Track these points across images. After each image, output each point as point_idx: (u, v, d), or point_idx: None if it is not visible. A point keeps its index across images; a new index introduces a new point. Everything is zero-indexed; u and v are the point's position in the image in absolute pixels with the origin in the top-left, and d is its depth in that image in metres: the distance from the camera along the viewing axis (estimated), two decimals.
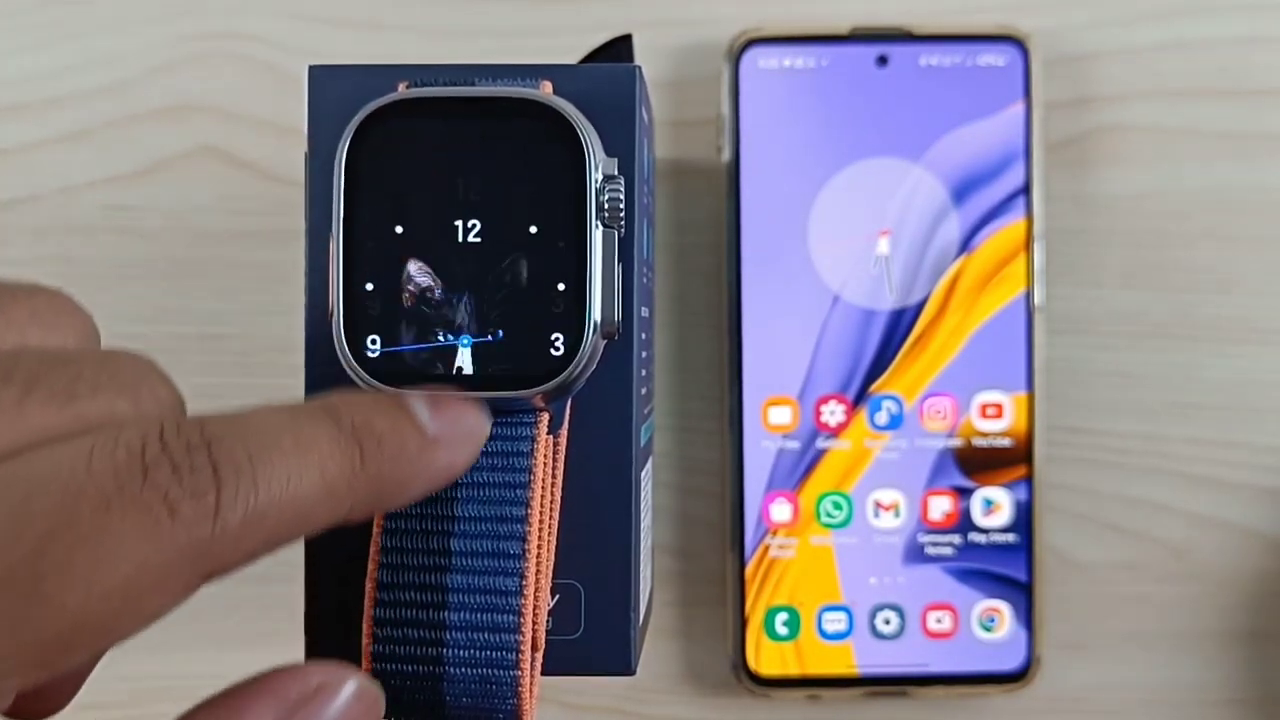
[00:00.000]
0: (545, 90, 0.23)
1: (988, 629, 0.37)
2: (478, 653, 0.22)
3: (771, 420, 0.37)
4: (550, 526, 0.24)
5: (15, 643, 0.15)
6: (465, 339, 0.23)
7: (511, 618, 0.22)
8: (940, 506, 0.37)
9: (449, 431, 0.20)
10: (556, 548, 0.24)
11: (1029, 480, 0.37)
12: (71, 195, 0.39)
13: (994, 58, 0.37)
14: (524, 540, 0.22)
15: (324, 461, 0.18)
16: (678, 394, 0.39)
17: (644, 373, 0.27)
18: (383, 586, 0.22)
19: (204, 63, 0.39)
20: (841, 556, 0.37)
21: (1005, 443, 0.37)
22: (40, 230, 0.38)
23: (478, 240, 0.23)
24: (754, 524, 0.37)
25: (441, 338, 0.23)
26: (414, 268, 0.23)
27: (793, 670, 0.37)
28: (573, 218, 0.23)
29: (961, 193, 0.37)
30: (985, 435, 0.37)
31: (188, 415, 0.18)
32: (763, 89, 0.37)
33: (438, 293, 0.23)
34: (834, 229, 0.37)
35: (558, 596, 0.25)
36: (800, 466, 0.37)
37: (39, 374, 0.17)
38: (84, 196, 0.39)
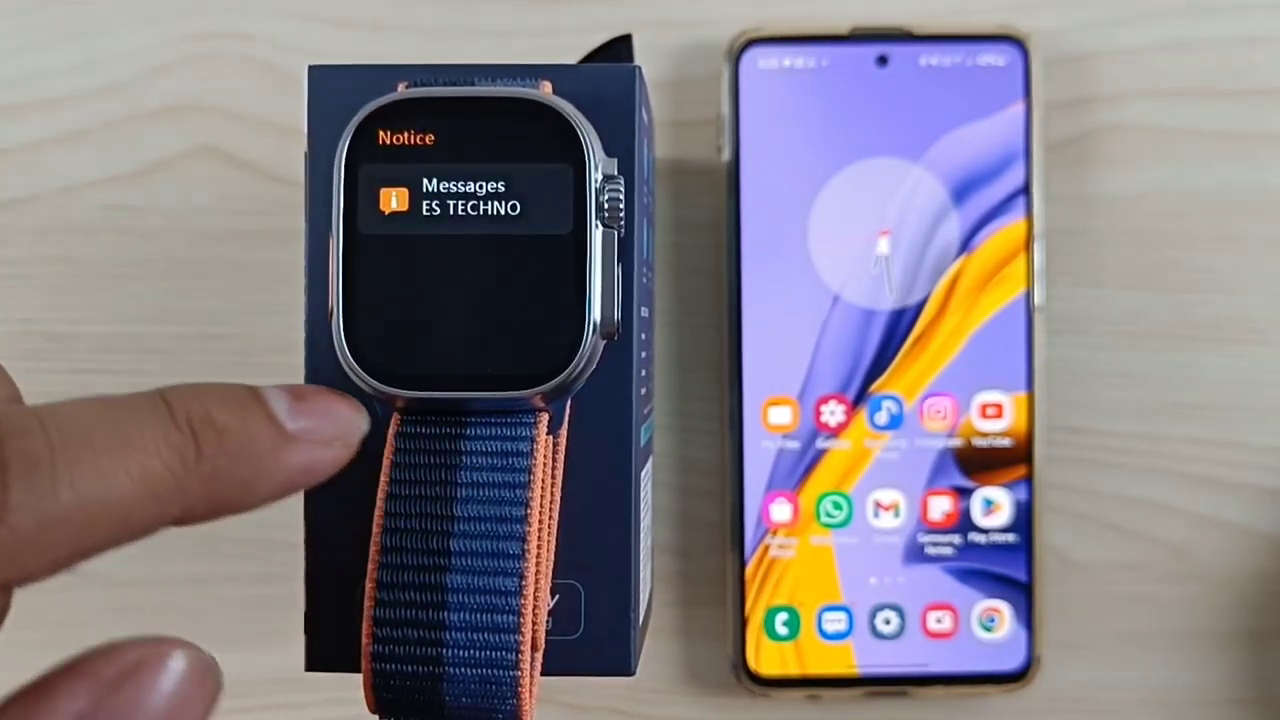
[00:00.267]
0: (545, 90, 0.24)
1: (988, 629, 0.37)
2: (477, 653, 0.22)
3: (771, 420, 0.37)
4: (550, 526, 0.24)
5: None
6: (465, 339, 0.23)
7: (511, 618, 0.22)
8: (940, 506, 0.37)
9: (312, 428, 0.19)
10: (556, 548, 0.24)
11: (1029, 480, 0.37)
12: (71, 195, 0.39)
13: (994, 58, 0.37)
14: (524, 540, 0.22)
15: (147, 458, 0.16)
16: (678, 394, 0.39)
17: (644, 373, 0.27)
18: (383, 586, 0.22)
19: (204, 63, 0.39)
20: (841, 556, 0.37)
21: (1005, 443, 0.37)
22: (40, 230, 0.38)
23: (477, 239, 0.23)
24: (754, 524, 0.37)
25: (441, 337, 0.23)
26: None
27: (793, 670, 0.37)
28: (572, 218, 0.23)
29: (961, 193, 0.37)
30: (985, 435, 0.37)
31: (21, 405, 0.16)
32: (763, 89, 0.37)
33: (438, 292, 0.23)
34: (834, 229, 0.37)
35: (558, 596, 0.25)
36: (800, 466, 0.37)
37: None
38: (84, 196, 0.39)
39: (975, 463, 0.37)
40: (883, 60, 0.37)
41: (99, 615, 0.39)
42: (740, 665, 0.37)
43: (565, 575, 0.25)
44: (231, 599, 0.39)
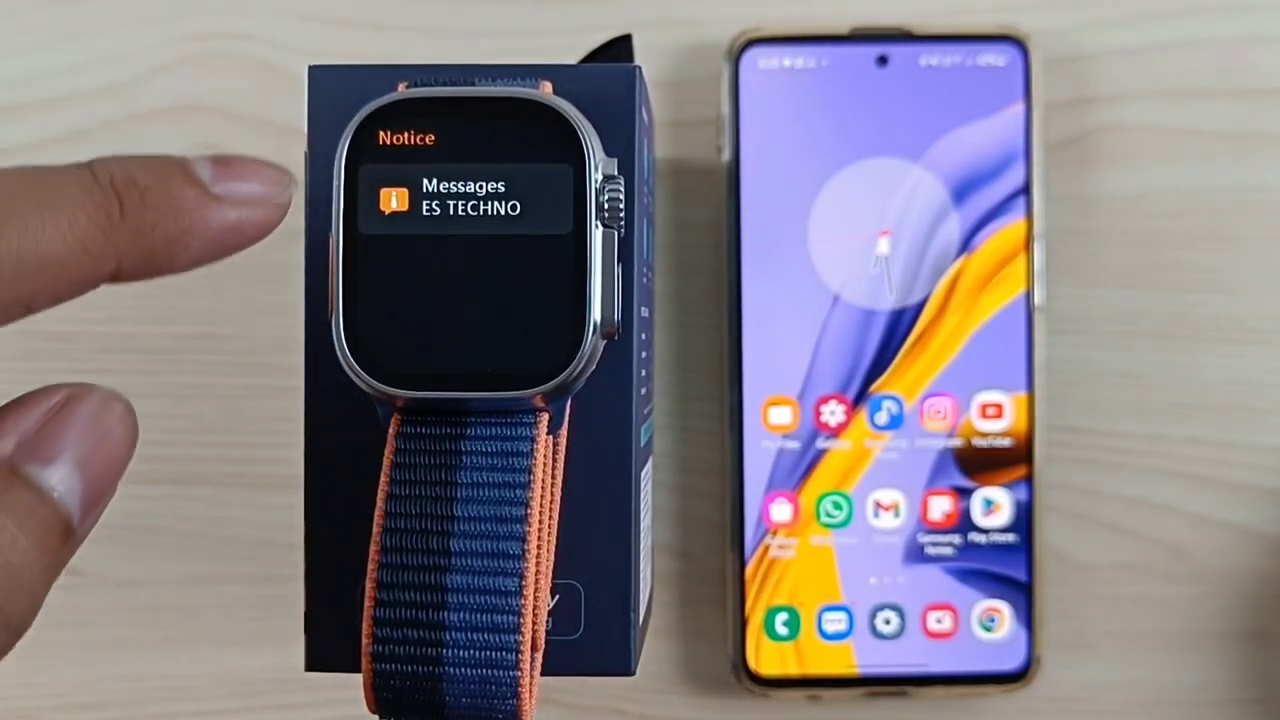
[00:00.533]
0: (545, 90, 0.23)
1: (988, 629, 0.37)
2: (477, 653, 0.22)
3: (771, 420, 0.37)
4: (550, 526, 0.24)
5: None
6: (465, 339, 0.23)
7: (511, 618, 0.22)
8: (940, 506, 0.37)
9: (237, 189, 0.20)
10: (556, 548, 0.24)
11: (1029, 480, 0.37)
12: None
13: (994, 58, 0.37)
14: (524, 540, 0.22)
15: (73, 212, 0.18)
16: (678, 394, 0.39)
17: (644, 373, 0.27)
18: (382, 586, 0.22)
19: (204, 63, 0.39)
20: (841, 556, 0.37)
21: (1005, 443, 0.37)
22: None
23: (477, 240, 0.23)
24: (754, 524, 0.37)
25: (441, 337, 0.23)
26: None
27: (793, 670, 0.37)
28: (572, 218, 0.23)
29: (961, 193, 0.37)
30: (985, 435, 0.37)
31: None
32: (763, 89, 0.37)
33: (438, 292, 0.23)
34: (834, 229, 0.37)
35: (558, 596, 0.25)
36: (800, 466, 0.37)
37: None
38: None
39: (975, 463, 0.37)
40: (883, 60, 0.37)
41: (99, 615, 0.39)
42: (740, 665, 0.37)
43: (565, 575, 0.25)
44: (231, 599, 0.39)
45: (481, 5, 0.39)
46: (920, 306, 0.37)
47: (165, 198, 0.19)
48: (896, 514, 0.37)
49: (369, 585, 0.22)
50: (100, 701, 0.39)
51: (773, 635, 0.37)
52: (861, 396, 0.37)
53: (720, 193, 0.37)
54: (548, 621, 0.24)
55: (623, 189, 0.23)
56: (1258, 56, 0.39)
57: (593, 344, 0.22)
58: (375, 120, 0.23)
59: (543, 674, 0.24)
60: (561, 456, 0.24)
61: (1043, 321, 0.37)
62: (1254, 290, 0.39)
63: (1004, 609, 0.37)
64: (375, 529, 0.22)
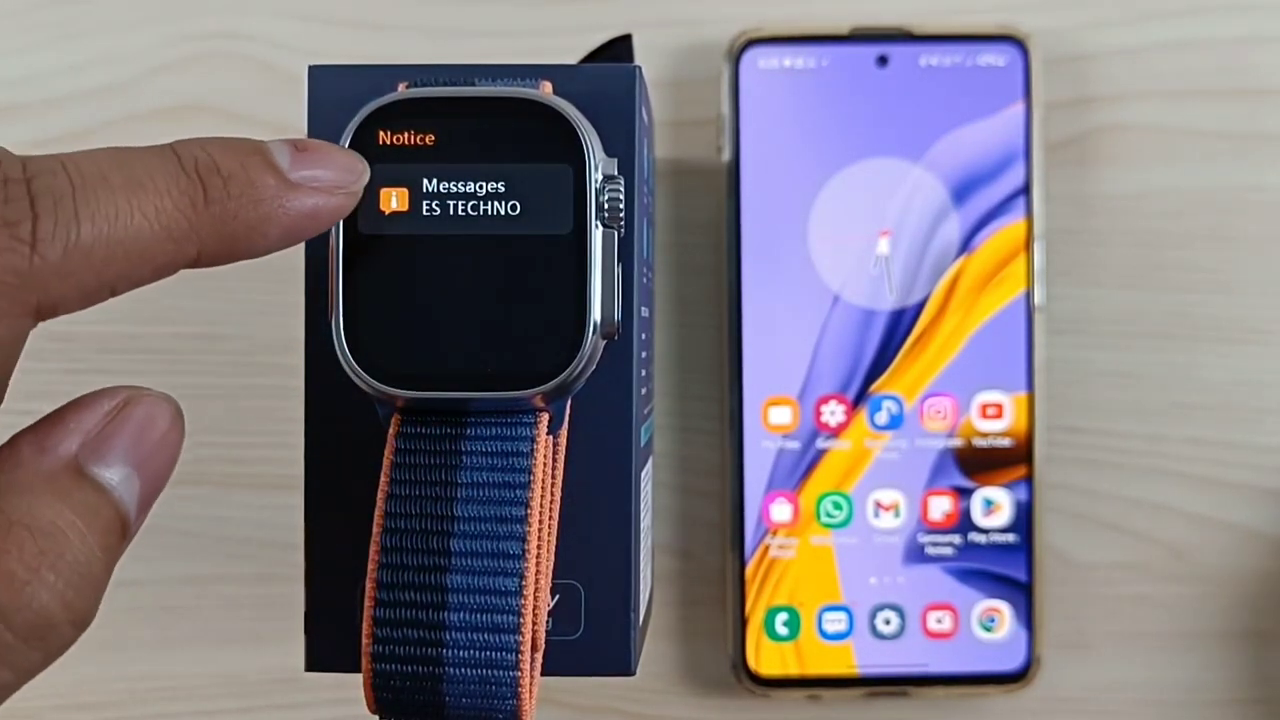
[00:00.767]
0: (545, 90, 0.23)
1: (988, 629, 0.37)
2: (478, 653, 0.22)
3: (771, 420, 0.37)
4: (550, 527, 0.24)
5: None
6: (465, 339, 0.23)
7: (511, 618, 0.22)
8: (940, 506, 0.37)
9: (314, 175, 0.20)
10: (556, 548, 0.24)
11: (1029, 480, 0.37)
12: None
13: (994, 58, 0.37)
14: (524, 540, 0.22)
15: (159, 199, 0.18)
16: (678, 394, 0.39)
17: (644, 373, 0.27)
18: (382, 586, 0.22)
19: (204, 63, 0.39)
20: (841, 556, 0.37)
21: (1005, 443, 0.37)
22: None
23: (477, 240, 0.23)
24: (754, 524, 0.37)
25: (441, 337, 0.23)
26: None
27: (793, 670, 0.37)
28: (573, 218, 0.23)
29: (961, 193, 0.37)
30: (985, 435, 0.37)
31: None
32: (763, 89, 0.37)
33: (437, 293, 0.23)
34: (834, 229, 0.37)
35: (558, 596, 0.25)
36: (800, 466, 0.37)
37: None
38: None
39: (975, 463, 0.37)
40: (883, 60, 0.37)
41: (99, 615, 0.38)
42: (740, 665, 0.37)
43: (565, 575, 0.25)
44: (231, 599, 0.39)
45: (481, 5, 0.39)
46: (920, 306, 0.37)
47: (247, 186, 0.19)
48: (896, 514, 0.37)
49: (369, 585, 0.22)
50: (100, 701, 0.39)
51: (773, 635, 0.37)
52: (861, 396, 0.37)
53: (720, 193, 0.37)
54: (548, 621, 0.24)
55: (623, 189, 0.23)
56: (1258, 56, 0.39)
57: (593, 344, 0.22)
58: (375, 120, 0.23)
59: (543, 674, 0.24)
60: (561, 456, 0.24)
61: (1042, 321, 0.37)
62: (1254, 290, 0.39)
63: (1004, 609, 0.37)
64: (375, 529, 0.22)
